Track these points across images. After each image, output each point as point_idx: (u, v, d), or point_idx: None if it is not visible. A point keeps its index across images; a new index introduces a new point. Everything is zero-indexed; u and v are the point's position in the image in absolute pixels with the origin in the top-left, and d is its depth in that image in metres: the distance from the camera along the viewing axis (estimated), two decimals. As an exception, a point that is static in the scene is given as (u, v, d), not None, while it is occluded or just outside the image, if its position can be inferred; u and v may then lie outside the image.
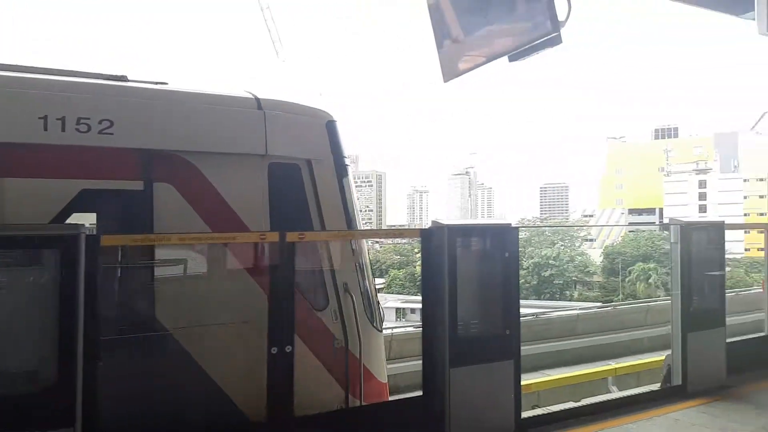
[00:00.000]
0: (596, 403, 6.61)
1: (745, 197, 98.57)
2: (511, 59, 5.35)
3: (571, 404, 6.93)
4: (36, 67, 5.13)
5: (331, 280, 5.66)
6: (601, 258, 67.31)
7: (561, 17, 4.73)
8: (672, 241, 7.31)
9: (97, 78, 5.23)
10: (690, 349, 6.95)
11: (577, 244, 72.84)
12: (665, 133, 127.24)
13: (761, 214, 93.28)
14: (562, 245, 67.91)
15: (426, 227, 5.74)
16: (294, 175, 5.57)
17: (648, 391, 7.00)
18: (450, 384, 5.38)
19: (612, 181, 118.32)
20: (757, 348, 8.24)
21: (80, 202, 4.76)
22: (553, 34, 4.75)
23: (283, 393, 4.84)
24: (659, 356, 13.07)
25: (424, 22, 5.97)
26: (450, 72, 5.82)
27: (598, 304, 32.89)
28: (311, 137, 5.76)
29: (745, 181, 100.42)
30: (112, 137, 4.83)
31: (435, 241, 5.52)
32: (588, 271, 65.95)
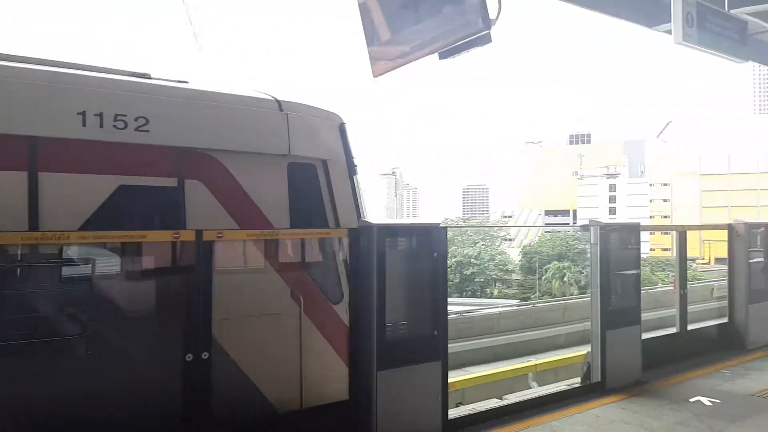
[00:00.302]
0: (520, 402, 6.66)
1: (650, 200, 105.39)
2: (441, 57, 5.29)
3: (495, 402, 6.97)
4: (60, 62, 5.03)
5: (345, 275, 5.89)
6: (520, 257, 69.66)
7: (491, 15, 4.71)
8: (591, 241, 7.51)
9: (122, 74, 5.22)
10: (608, 346, 7.16)
11: (497, 244, 75.07)
12: (579, 138, 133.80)
13: (665, 217, 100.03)
14: (483, 244, 69.77)
15: (354, 226, 5.57)
16: (311, 174, 5.87)
17: (569, 388, 7.14)
18: (377, 387, 5.24)
19: (530, 183, 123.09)
20: (669, 344, 8.65)
21: (118, 198, 4.80)
22: (483, 32, 4.71)
23: (200, 401, 4.55)
24: (575, 352, 13.63)
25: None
26: (379, 68, 5.69)
27: (517, 301, 34.05)
28: (327, 138, 6.05)
29: (650, 185, 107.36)
30: (148, 134, 4.90)
31: (363, 240, 5.36)
32: (507, 270, 68.07)
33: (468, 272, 64.32)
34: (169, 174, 5.02)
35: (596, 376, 7.18)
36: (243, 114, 5.48)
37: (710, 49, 7.08)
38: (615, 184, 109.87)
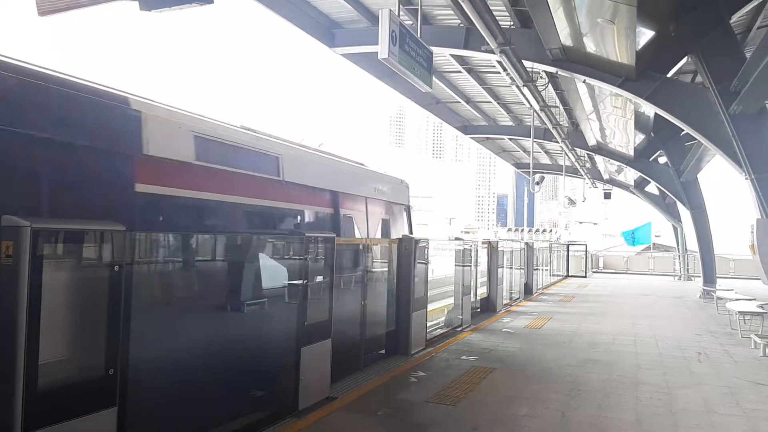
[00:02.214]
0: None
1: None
2: (142, 7, 4.05)
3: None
4: (326, 152, 10.97)
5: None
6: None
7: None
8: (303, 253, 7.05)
9: (351, 161, 11.89)
10: (303, 363, 6.73)
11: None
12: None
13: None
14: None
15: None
16: (407, 213, 13.69)
17: (263, 417, 6.39)
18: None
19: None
20: (348, 354, 8.71)
21: (381, 225, 12.06)
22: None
23: None
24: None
25: None
26: (48, 5, 4.09)
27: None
28: (407, 195, 13.91)
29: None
30: (384, 195, 12.34)
31: (7, 248, 3.71)
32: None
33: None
34: (386, 214, 12.42)
35: (288, 398, 6.66)
36: (395, 185, 13.22)
37: (407, 70, 7.38)
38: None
